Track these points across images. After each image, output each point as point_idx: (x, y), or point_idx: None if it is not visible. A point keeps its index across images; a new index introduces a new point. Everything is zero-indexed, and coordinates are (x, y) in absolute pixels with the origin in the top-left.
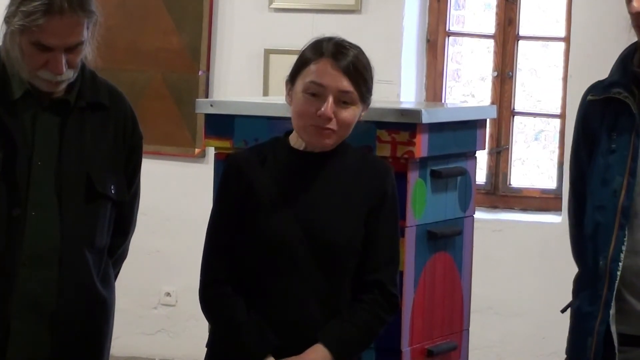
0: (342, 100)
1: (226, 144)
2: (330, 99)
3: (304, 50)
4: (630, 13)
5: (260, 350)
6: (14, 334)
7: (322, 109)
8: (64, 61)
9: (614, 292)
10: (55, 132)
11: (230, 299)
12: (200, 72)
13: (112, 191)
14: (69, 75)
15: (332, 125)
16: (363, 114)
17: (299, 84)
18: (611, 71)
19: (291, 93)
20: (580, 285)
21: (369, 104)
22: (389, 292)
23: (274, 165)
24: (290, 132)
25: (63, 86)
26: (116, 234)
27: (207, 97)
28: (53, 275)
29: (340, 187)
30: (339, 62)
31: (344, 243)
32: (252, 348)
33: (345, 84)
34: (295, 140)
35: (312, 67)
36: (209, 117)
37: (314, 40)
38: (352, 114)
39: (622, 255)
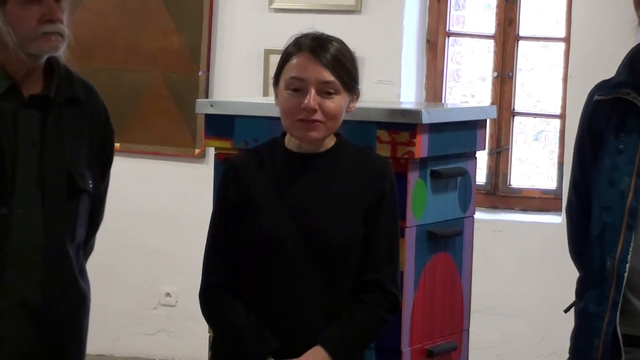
0: (325, 91)
1: (226, 144)
2: (313, 91)
3: (284, 49)
4: None
5: (260, 353)
6: (2, 334)
7: (305, 101)
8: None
9: (622, 293)
10: (36, 129)
11: (229, 303)
12: (200, 73)
13: (91, 186)
14: (65, 30)
15: (318, 116)
16: (354, 104)
17: (282, 83)
18: (618, 70)
19: (277, 93)
20: (585, 285)
21: (358, 93)
22: (388, 291)
23: (270, 167)
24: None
25: (63, 46)
26: (87, 227)
27: (207, 97)
28: (38, 273)
29: (338, 186)
30: (317, 54)
31: (342, 243)
32: (251, 351)
33: (325, 74)
34: (289, 141)
35: (292, 63)
36: (209, 117)
37: (293, 37)
38: (337, 103)
39: (629, 257)
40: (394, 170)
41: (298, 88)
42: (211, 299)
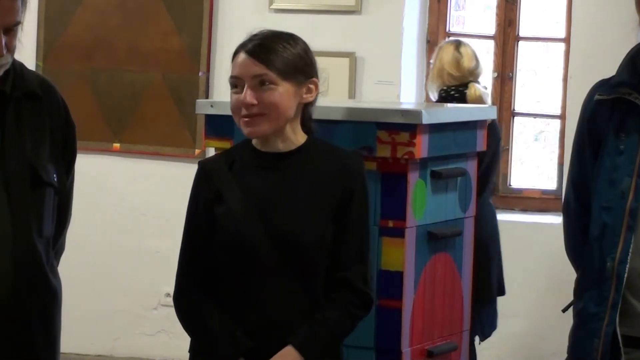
0: (261, 84)
1: (226, 144)
2: (247, 87)
3: None
4: None
5: (232, 354)
6: None
7: (242, 97)
8: (3, 43)
9: (621, 294)
10: None
11: (202, 305)
12: (200, 73)
13: (55, 179)
14: (7, 59)
15: (257, 110)
16: (311, 94)
17: None
18: (618, 70)
19: None
20: (584, 286)
21: (315, 83)
22: (359, 289)
23: (240, 167)
24: None
25: (7, 66)
26: (55, 225)
27: (207, 97)
28: (6, 265)
29: (306, 185)
30: (250, 50)
31: (311, 242)
32: (223, 352)
33: (256, 68)
34: (257, 141)
35: (233, 63)
36: (209, 117)
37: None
38: (276, 93)
39: (629, 257)
40: (364, 164)
41: (237, 87)
42: (183, 303)
